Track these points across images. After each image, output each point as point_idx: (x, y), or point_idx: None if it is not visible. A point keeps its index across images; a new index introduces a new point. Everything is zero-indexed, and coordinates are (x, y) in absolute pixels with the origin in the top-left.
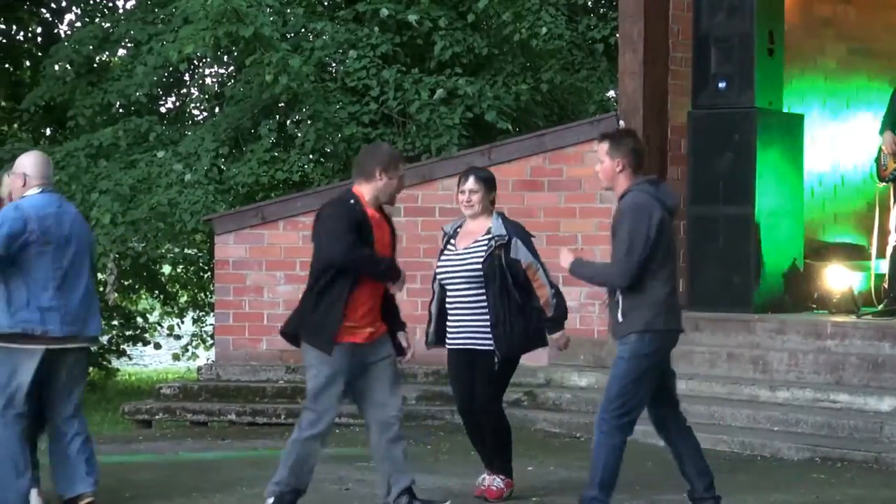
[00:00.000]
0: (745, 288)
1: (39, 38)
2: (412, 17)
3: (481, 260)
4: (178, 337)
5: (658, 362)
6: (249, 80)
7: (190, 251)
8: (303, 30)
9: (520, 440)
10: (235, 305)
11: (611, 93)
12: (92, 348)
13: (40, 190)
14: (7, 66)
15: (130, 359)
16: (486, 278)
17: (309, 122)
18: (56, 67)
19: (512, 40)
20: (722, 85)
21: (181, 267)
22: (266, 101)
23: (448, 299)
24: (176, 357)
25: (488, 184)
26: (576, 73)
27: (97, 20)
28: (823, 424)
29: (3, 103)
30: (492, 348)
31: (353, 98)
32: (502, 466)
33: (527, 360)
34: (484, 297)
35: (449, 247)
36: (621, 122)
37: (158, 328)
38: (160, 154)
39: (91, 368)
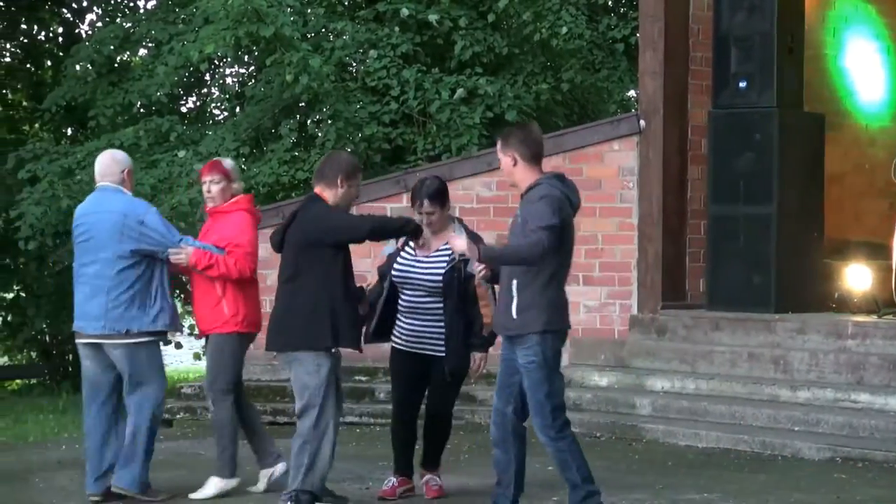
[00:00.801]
0: (765, 287)
1: (61, 38)
2: (432, 17)
3: (443, 271)
4: (200, 336)
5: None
6: (270, 79)
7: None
8: (323, 29)
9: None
10: None
11: (631, 92)
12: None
13: None
14: (28, 65)
15: None
16: (446, 290)
17: (329, 121)
18: (77, 67)
19: (532, 40)
20: (742, 84)
21: None
22: (286, 100)
23: (402, 302)
24: (197, 356)
25: (443, 198)
26: (596, 72)
27: (118, 20)
28: (844, 424)
29: (25, 103)
30: (442, 355)
31: (374, 98)
32: (437, 464)
33: None
34: (440, 306)
35: (408, 250)
36: (642, 122)
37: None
38: (181, 154)
39: None
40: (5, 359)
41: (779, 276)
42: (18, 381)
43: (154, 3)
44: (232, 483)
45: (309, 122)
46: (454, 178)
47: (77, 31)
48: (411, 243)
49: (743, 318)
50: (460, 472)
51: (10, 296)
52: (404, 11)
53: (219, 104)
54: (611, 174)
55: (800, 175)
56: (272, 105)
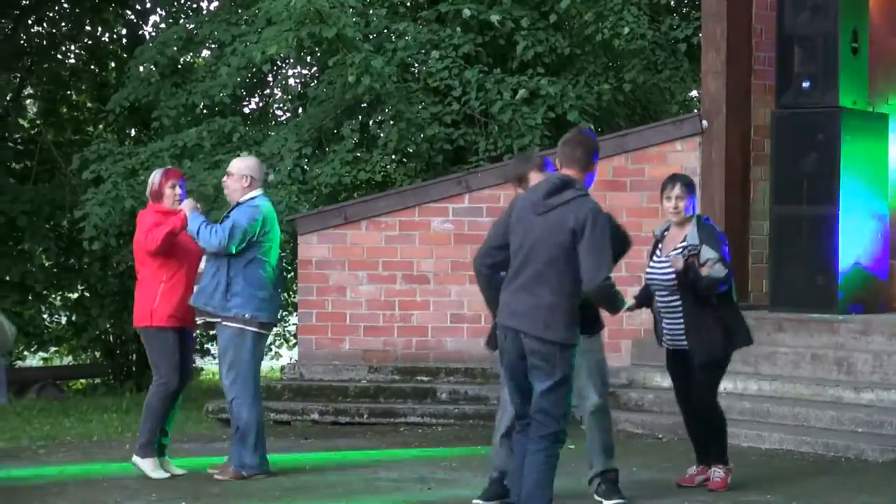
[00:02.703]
0: (828, 288)
1: (124, 40)
2: (494, 18)
3: (672, 269)
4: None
5: None
6: (332, 80)
7: None
8: (385, 30)
9: None
10: (318, 305)
11: (693, 93)
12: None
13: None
14: (93, 67)
15: (214, 358)
16: (681, 286)
17: (391, 122)
18: (141, 69)
19: (594, 40)
20: (806, 84)
21: None
22: (349, 101)
23: (657, 304)
24: None
25: (692, 190)
26: (658, 73)
27: (181, 21)
28: None
29: (89, 104)
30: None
31: (436, 98)
32: (719, 456)
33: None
34: (680, 303)
35: (657, 252)
36: (704, 123)
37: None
38: (244, 155)
39: None
40: (70, 358)
41: (842, 277)
42: (83, 380)
43: (217, 4)
44: (145, 463)
45: (371, 122)
46: None
47: (141, 32)
48: (660, 245)
49: (806, 320)
50: None
51: (75, 296)
52: (466, 12)
53: (281, 105)
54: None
55: (864, 175)
56: (334, 106)
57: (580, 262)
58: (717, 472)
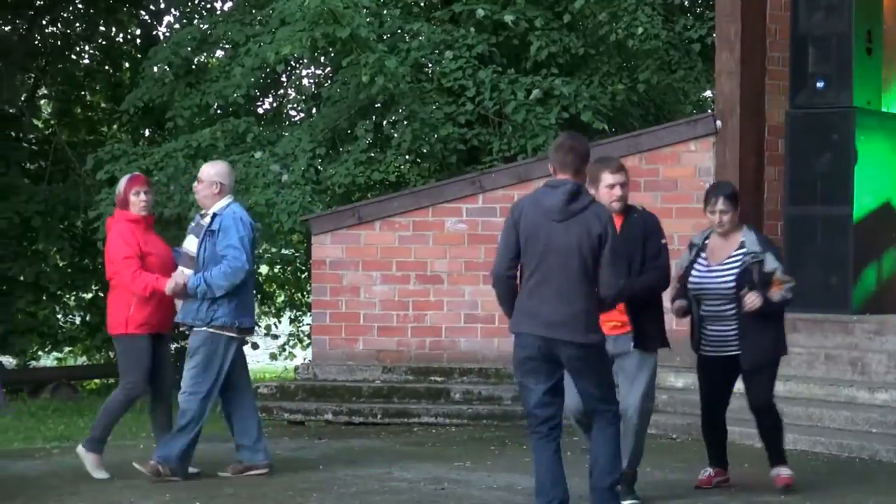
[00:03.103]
0: (843, 289)
1: (138, 40)
2: (508, 18)
3: (734, 277)
4: (276, 336)
5: None
6: (346, 80)
7: (287, 251)
8: (399, 30)
9: None
10: (332, 305)
11: (707, 93)
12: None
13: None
14: (107, 67)
15: None
16: (738, 293)
17: (405, 122)
18: (155, 69)
19: (608, 40)
20: (820, 84)
21: (278, 267)
22: (362, 101)
23: (703, 311)
24: (273, 356)
25: (736, 201)
26: (672, 73)
27: (195, 22)
28: None
29: (103, 105)
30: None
31: (450, 98)
32: (781, 455)
33: None
34: (734, 309)
35: (700, 261)
36: (718, 123)
37: (256, 328)
38: (257, 155)
39: None
40: (84, 358)
41: (856, 278)
42: (97, 380)
43: (231, 4)
44: (88, 458)
45: (385, 122)
46: (530, 178)
47: (155, 32)
48: (703, 253)
49: (820, 320)
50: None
51: (89, 296)
52: (480, 12)
53: (295, 105)
54: (687, 175)
55: (878, 175)
56: (348, 106)
57: (602, 268)
58: (784, 471)
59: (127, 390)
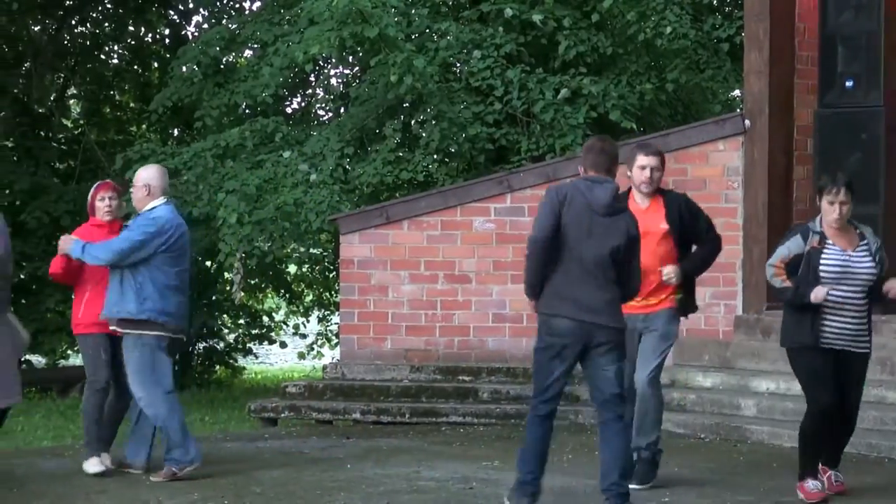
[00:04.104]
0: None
1: (167, 40)
2: (536, 17)
3: (873, 265)
4: (304, 336)
5: None
6: (374, 80)
7: (315, 251)
8: (427, 30)
9: None
10: (360, 305)
11: (736, 92)
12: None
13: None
14: (136, 67)
15: (257, 357)
16: (874, 284)
17: (433, 122)
18: (184, 69)
19: (636, 40)
20: (849, 84)
21: (307, 266)
22: (391, 101)
23: (831, 299)
24: (301, 356)
25: (853, 192)
26: (700, 72)
27: (224, 22)
28: None
29: (132, 104)
30: (867, 351)
31: (478, 98)
32: (839, 461)
33: None
34: (864, 301)
35: (831, 247)
36: (747, 122)
37: (284, 327)
38: (286, 154)
39: (218, 367)
40: None
41: (886, 276)
42: None
43: (259, 4)
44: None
45: (413, 122)
46: (558, 177)
47: (183, 32)
48: (829, 239)
49: None
50: (564, 472)
51: None
52: (508, 12)
53: (323, 105)
54: (716, 174)
55: None
56: (376, 105)
57: (631, 267)
58: (839, 476)
59: (90, 384)
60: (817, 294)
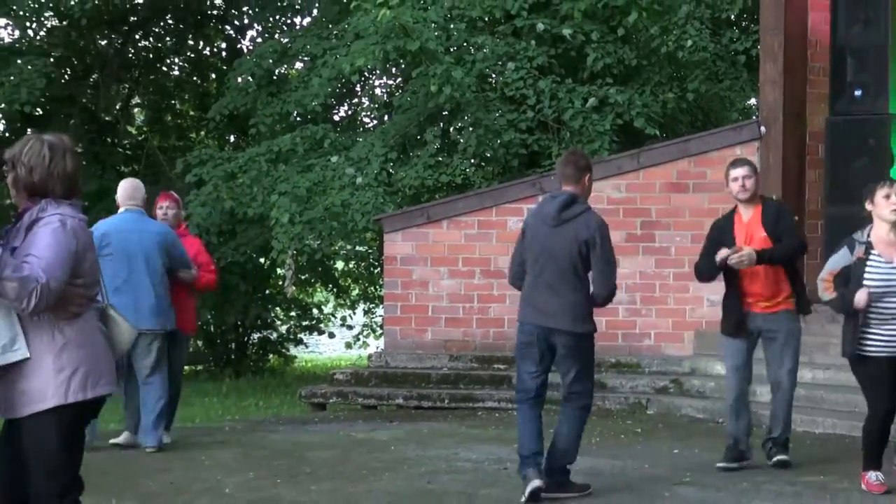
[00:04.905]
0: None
1: (224, 53)
2: (566, 32)
3: None
4: (350, 327)
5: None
6: (416, 90)
7: (361, 248)
8: (465, 44)
9: (667, 425)
10: (403, 298)
11: (752, 101)
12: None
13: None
14: (195, 78)
15: (307, 347)
16: None
17: (470, 128)
18: (239, 80)
19: (659, 52)
20: (858, 93)
21: (353, 262)
22: (431, 109)
23: (879, 310)
24: (348, 345)
25: None
26: (719, 82)
27: (277, 36)
28: None
29: (192, 113)
30: None
31: (512, 106)
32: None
33: (673, 350)
34: None
35: (875, 258)
36: (762, 129)
37: (332, 319)
38: (334, 159)
39: (271, 356)
40: None
41: None
42: (186, 367)
43: (309, 20)
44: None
45: (451, 129)
46: None
47: (239, 46)
48: (874, 250)
49: None
50: (592, 454)
51: None
52: (540, 26)
53: (368, 113)
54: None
55: None
56: (417, 114)
57: (594, 270)
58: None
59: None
60: (859, 299)
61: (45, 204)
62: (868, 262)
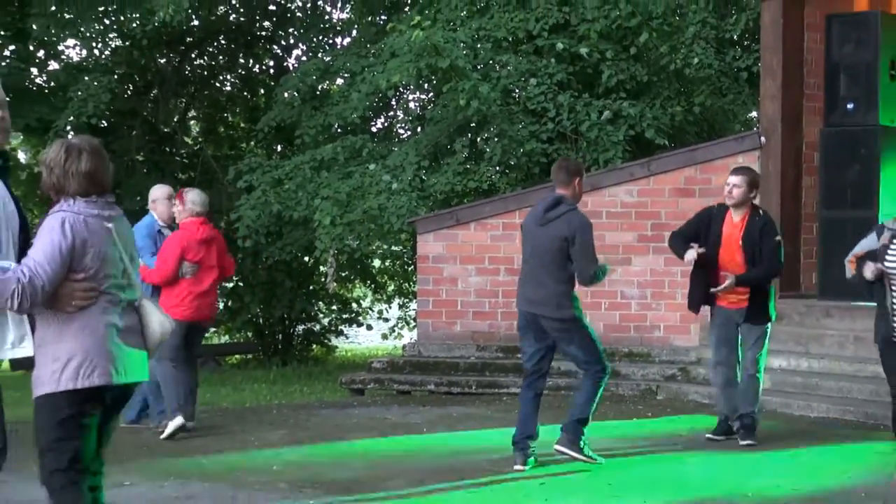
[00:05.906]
0: (869, 280)
1: (272, 71)
2: (583, 50)
3: None
4: (387, 320)
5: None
6: (446, 104)
7: (396, 248)
8: (491, 61)
9: (675, 409)
10: (434, 294)
11: (753, 113)
12: None
13: None
14: (245, 93)
15: (347, 338)
16: None
17: (496, 139)
18: (286, 95)
19: (668, 69)
20: (850, 106)
21: (389, 261)
22: (460, 121)
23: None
24: (384, 336)
25: None
26: (723, 97)
27: (320, 55)
28: None
29: (242, 125)
30: None
31: (533, 119)
32: None
33: (679, 341)
34: None
35: (893, 244)
36: (762, 139)
37: (370, 312)
38: (371, 167)
39: (314, 346)
40: (227, 338)
41: None
42: (237, 356)
43: (349, 40)
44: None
45: (478, 139)
46: (601, 186)
47: (285, 64)
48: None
49: (850, 307)
50: (607, 435)
51: (231, 285)
52: (559, 46)
53: (403, 125)
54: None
55: None
56: (448, 125)
57: (574, 261)
58: None
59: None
60: (867, 270)
61: (63, 202)
62: (890, 248)
